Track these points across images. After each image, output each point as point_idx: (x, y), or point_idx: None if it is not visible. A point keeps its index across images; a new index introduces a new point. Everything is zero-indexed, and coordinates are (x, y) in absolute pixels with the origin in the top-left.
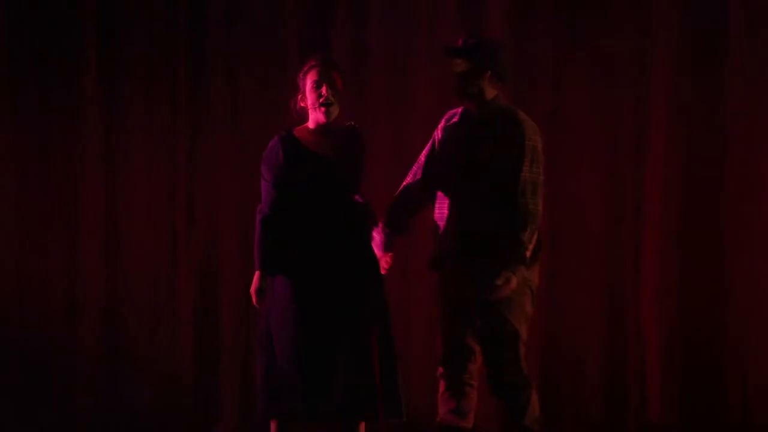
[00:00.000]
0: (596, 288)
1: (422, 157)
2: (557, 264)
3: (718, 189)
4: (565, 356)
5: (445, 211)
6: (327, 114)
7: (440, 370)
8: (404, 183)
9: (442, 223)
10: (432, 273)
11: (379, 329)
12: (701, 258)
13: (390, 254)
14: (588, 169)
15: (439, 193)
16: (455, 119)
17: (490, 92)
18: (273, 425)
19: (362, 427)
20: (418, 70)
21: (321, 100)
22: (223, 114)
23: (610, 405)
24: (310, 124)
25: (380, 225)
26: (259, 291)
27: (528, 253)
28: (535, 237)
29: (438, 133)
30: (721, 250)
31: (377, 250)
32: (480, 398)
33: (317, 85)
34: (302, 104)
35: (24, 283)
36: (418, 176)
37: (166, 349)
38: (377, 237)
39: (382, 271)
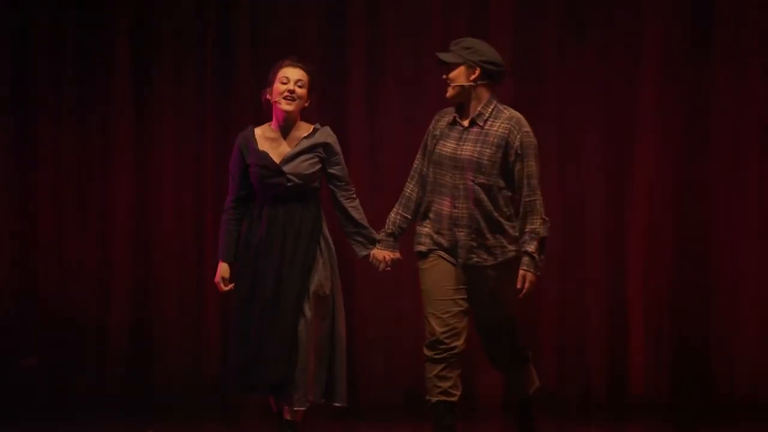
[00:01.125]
0: (597, 275)
1: (417, 159)
2: (562, 252)
3: (706, 175)
4: (569, 337)
5: (446, 208)
6: (286, 107)
7: (429, 352)
8: (405, 188)
9: (441, 219)
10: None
11: (326, 320)
12: (690, 242)
13: (397, 254)
14: (588, 158)
15: (437, 190)
16: (449, 118)
17: (483, 91)
18: (271, 399)
19: (288, 411)
20: (431, 81)
21: (284, 94)
22: (248, 106)
23: (609, 381)
24: (272, 122)
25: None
26: (222, 280)
27: (538, 249)
28: (546, 228)
29: (431, 133)
30: (708, 235)
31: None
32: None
33: (285, 80)
34: (268, 97)
35: (62, 267)
36: (416, 178)
37: (193, 326)
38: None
39: (385, 269)
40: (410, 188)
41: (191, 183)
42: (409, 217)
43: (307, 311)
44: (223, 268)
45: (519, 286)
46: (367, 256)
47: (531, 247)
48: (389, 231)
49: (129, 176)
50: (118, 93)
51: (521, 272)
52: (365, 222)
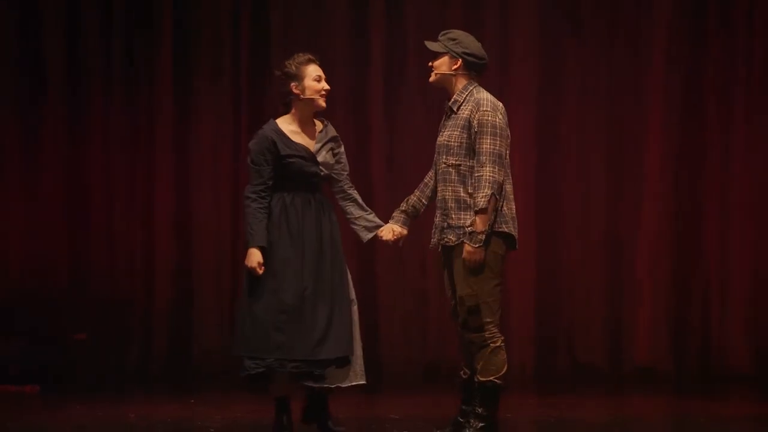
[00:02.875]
0: (598, 254)
1: None
2: (563, 231)
3: (702, 160)
4: (571, 310)
5: (437, 193)
6: (323, 103)
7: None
8: (427, 175)
9: (438, 203)
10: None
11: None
12: (690, 222)
13: (405, 230)
14: (593, 150)
15: (437, 178)
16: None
17: (462, 80)
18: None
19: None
20: None
21: (322, 92)
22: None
23: (609, 353)
24: (293, 115)
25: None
26: (258, 265)
27: (487, 218)
28: (494, 202)
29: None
30: (703, 216)
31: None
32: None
33: (318, 79)
34: (296, 91)
35: (110, 250)
36: (434, 167)
37: (229, 303)
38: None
39: (395, 243)
40: (429, 175)
41: (227, 170)
42: (425, 201)
43: (351, 294)
44: (258, 254)
45: (464, 257)
46: (372, 239)
47: (469, 221)
48: (402, 208)
49: (170, 168)
50: (161, 91)
51: (465, 246)
52: (366, 207)
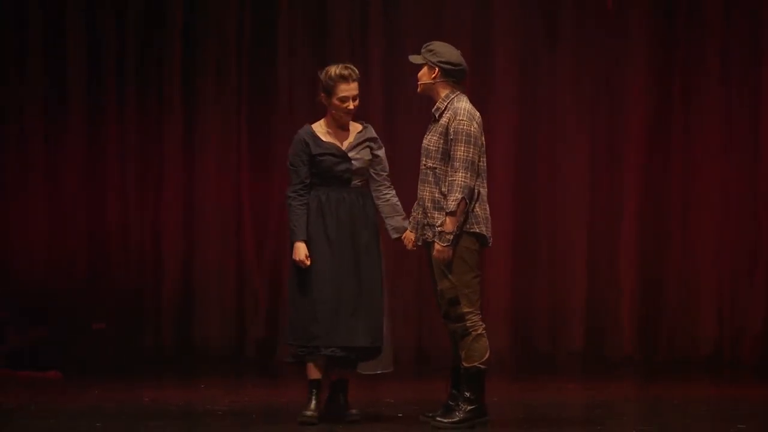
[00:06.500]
0: (578, 245)
1: None
2: (548, 218)
3: (675, 160)
4: (552, 300)
5: (418, 192)
6: (347, 118)
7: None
8: None
9: (418, 202)
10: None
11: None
12: (665, 215)
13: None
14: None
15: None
16: None
17: (443, 88)
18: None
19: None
20: None
21: (345, 110)
22: (280, 104)
23: (589, 340)
24: (327, 120)
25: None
26: (306, 257)
27: (456, 220)
28: (463, 205)
29: None
30: (676, 209)
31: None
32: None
33: (344, 99)
34: (324, 102)
35: (125, 246)
36: None
37: (236, 292)
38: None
39: (412, 248)
40: None
41: (230, 170)
42: None
43: (384, 286)
44: (303, 247)
45: (434, 255)
46: (398, 239)
47: (439, 222)
48: (413, 214)
49: (178, 169)
50: (169, 99)
51: (435, 243)
52: (400, 209)
